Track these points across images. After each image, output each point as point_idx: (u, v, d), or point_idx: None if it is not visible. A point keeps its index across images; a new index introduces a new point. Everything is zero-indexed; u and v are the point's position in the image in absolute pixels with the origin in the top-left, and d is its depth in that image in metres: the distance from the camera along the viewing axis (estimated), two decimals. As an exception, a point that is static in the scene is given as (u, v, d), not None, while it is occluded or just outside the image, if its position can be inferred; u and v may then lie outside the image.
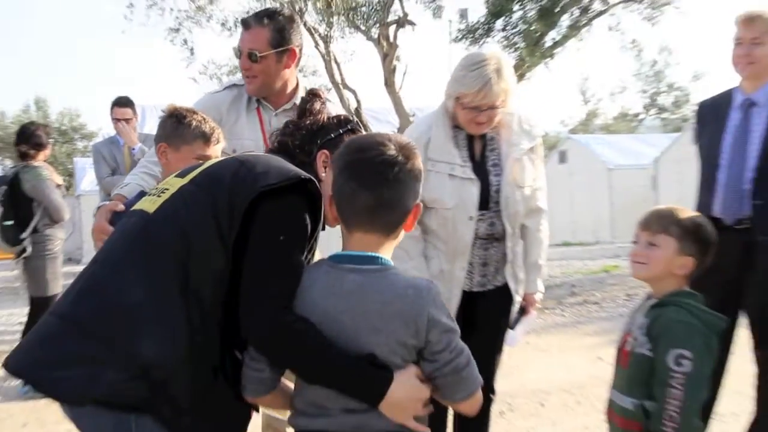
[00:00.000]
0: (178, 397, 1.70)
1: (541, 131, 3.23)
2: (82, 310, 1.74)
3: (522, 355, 6.25)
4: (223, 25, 13.09)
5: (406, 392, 1.69)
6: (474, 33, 12.24)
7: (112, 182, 5.41)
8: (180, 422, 1.71)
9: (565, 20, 11.93)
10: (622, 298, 9.28)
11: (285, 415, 2.07)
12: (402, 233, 1.84)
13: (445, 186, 2.91)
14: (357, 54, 21.45)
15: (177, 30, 13.11)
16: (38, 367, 1.72)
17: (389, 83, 12.55)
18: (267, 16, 2.94)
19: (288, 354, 1.74)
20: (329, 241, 2.28)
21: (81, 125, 37.59)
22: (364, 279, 1.73)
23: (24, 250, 5.87)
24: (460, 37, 12.57)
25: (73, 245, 16.62)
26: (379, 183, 1.74)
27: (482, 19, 12.15)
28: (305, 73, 14.98)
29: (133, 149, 5.82)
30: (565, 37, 12.03)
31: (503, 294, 3.08)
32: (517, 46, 11.74)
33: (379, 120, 14.75)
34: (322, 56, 12.79)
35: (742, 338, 3.31)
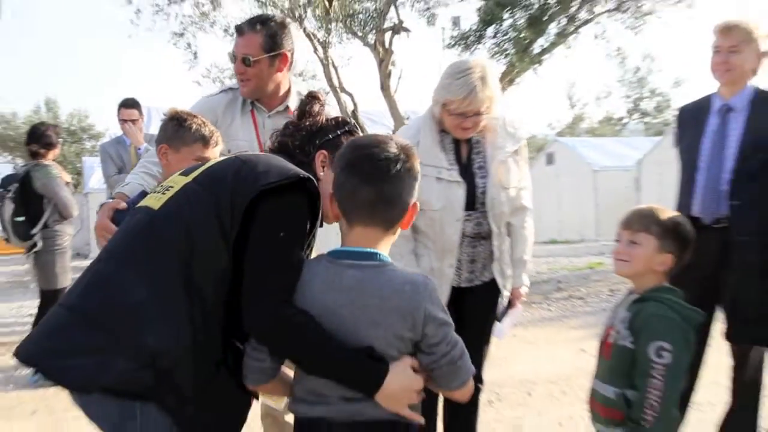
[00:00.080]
0: (182, 387, 1.70)
1: (526, 133, 3.22)
2: (90, 302, 1.74)
3: (510, 348, 6.26)
4: (225, 30, 13.06)
5: (400, 383, 1.70)
6: (466, 40, 12.25)
7: (119, 180, 5.39)
8: (183, 410, 1.71)
9: (552, 28, 11.97)
10: (605, 293, 9.29)
11: (281, 403, 2.07)
12: (399, 230, 1.85)
13: (432, 189, 2.91)
14: (354, 59, 21.47)
15: (181, 35, 13.10)
16: (48, 357, 1.73)
17: (385, 87, 12.57)
18: (260, 22, 2.94)
19: (288, 346, 1.74)
20: (327, 238, 2.28)
21: (89, 126, 37.50)
22: (363, 274, 1.74)
23: (34, 245, 5.88)
24: (452, 43, 12.57)
25: (81, 241, 16.60)
26: (380, 178, 1.75)
27: (474, 27, 12.16)
28: (305, 77, 14.97)
29: (139, 149, 5.81)
30: (553, 45, 12.05)
31: (490, 289, 3.09)
32: (507, 52, 11.75)
33: (375, 122, 14.74)
34: (321, 61, 12.78)
35: (719, 332, 3.32)
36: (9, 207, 5.83)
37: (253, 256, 1.76)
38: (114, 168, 5.90)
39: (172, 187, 1.89)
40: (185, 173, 1.93)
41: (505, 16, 11.64)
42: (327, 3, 12.04)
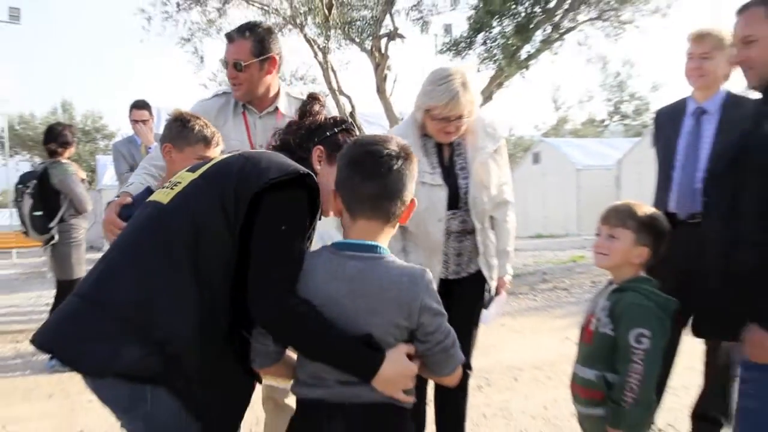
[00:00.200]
0: (190, 371, 1.70)
1: (504, 133, 3.22)
2: (102, 292, 1.74)
3: (498, 336, 6.28)
4: (231, 36, 13.00)
5: (395, 370, 1.70)
6: (457, 46, 12.25)
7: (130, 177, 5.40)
8: (192, 393, 1.72)
9: (538, 35, 11.96)
10: (588, 284, 9.32)
11: (285, 384, 2.07)
12: (397, 225, 1.85)
13: (416, 191, 2.90)
14: (352, 63, 21.53)
15: (188, 40, 13.06)
16: (63, 343, 1.73)
17: (381, 90, 12.56)
18: (248, 29, 2.92)
19: (291, 335, 1.74)
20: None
21: (102, 126, 37.53)
22: (364, 265, 1.74)
23: (52, 238, 5.88)
24: (444, 49, 12.59)
25: (95, 234, 16.50)
26: (382, 174, 1.75)
27: (465, 34, 12.16)
28: (305, 81, 14.93)
29: (149, 148, 5.79)
30: (539, 51, 12.05)
31: (476, 280, 3.09)
32: (496, 57, 11.75)
33: (372, 123, 14.74)
34: (321, 65, 12.76)
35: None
36: (28, 202, 5.82)
37: (257, 249, 1.75)
38: (126, 166, 5.88)
39: (179, 183, 1.89)
40: (192, 170, 1.93)
41: (494, 24, 11.64)
42: (326, 11, 12.02)
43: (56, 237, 5.88)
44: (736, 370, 2.18)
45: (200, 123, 2.56)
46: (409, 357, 1.73)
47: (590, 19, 12.08)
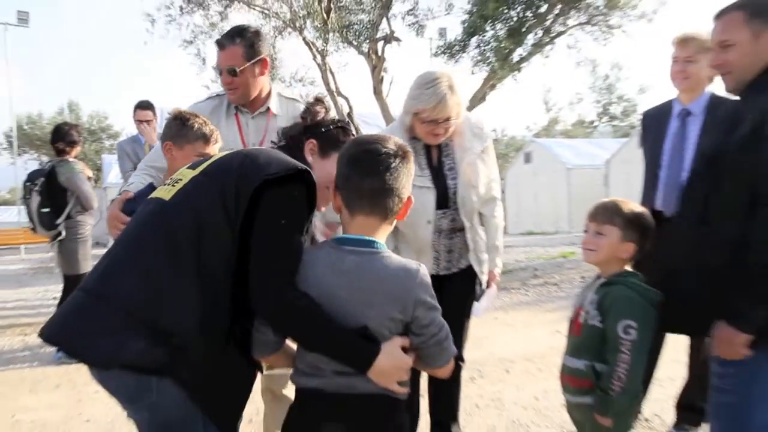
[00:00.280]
0: (194, 362, 1.70)
1: (491, 132, 3.21)
2: (107, 286, 1.74)
3: (491, 329, 6.29)
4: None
5: (390, 362, 1.70)
6: (451, 49, 12.24)
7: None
8: (197, 383, 1.72)
9: (530, 39, 11.95)
10: (577, 280, 9.32)
11: (284, 371, 2.08)
12: (394, 222, 1.85)
13: None
14: (349, 66, 21.49)
15: (191, 42, 13.03)
16: (70, 336, 1.73)
17: (377, 91, 12.55)
18: (237, 35, 2.88)
19: (290, 326, 1.75)
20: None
21: (108, 126, 37.53)
22: (361, 260, 1.74)
23: (59, 234, 5.88)
24: (439, 52, 12.57)
25: (101, 230, 16.43)
26: (380, 171, 1.76)
27: (459, 38, 12.15)
28: (304, 83, 14.88)
29: (153, 147, 5.79)
30: (531, 54, 12.04)
31: (466, 275, 3.09)
32: (489, 60, 11.74)
33: (369, 124, 14.72)
34: (319, 67, 12.73)
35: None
36: (36, 199, 5.82)
37: (257, 243, 1.76)
38: (130, 164, 5.88)
39: (180, 179, 1.89)
40: (192, 167, 1.93)
41: (488, 28, 11.63)
42: (325, 15, 12.00)
43: (63, 233, 5.87)
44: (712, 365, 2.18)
45: (199, 121, 2.56)
46: (404, 350, 1.73)
47: (580, 24, 12.08)
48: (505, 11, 11.42)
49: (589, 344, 2.27)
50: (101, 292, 1.73)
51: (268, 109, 3.02)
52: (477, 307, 3.13)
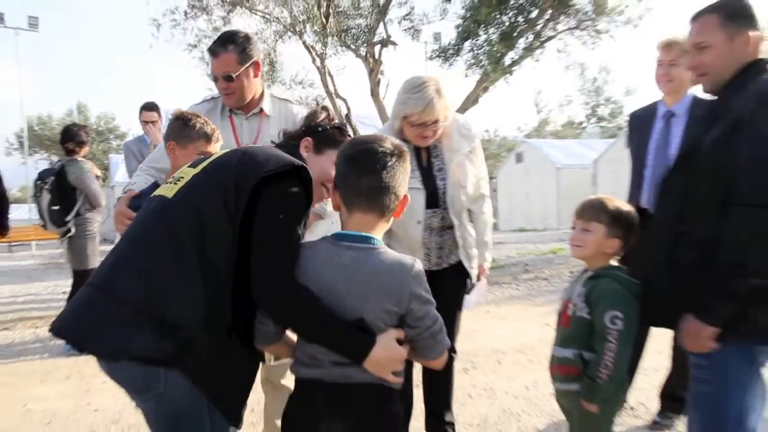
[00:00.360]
0: (200, 353, 1.71)
1: (478, 132, 3.20)
2: (114, 282, 1.74)
3: (483, 322, 6.30)
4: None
5: (385, 353, 1.71)
6: (446, 53, 12.24)
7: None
8: (203, 374, 1.72)
9: (521, 43, 11.96)
10: (567, 274, 9.34)
11: (283, 361, 2.08)
12: (391, 219, 1.86)
13: None
14: (347, 68, 21.44)
15: (195, 46, 12.99)
16: (79, 330, 1.73)
17: (374, 94, 12.55)
18: (229, 41, 2.86)
19: (290, 318, 1.76)
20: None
21: (115, 127, 37.48)
22: (358, 255, 1.75)
23: (68, 231, 5.88)
24: (434, 56, 12.59)
25: (108, 227, 16.47)
26: (379, 169, 1.76)
27: (453, 42, 12.15)
28: (304, 85, 14.83)
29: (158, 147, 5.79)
30: (522, 57, 12.04)
31: (457, 270, 3.09)
32: (482, 64, 11.74)
33: (366, 125, 14.70)
34: (318, 70, 12.71)
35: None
36: (46, 197, 5.82)
37: (258, 237, 1.76)
38: (136, 164, 5.85)
39: (182, 177, 1.89)
40: (193, 165, 1.93)
41: (481, 32, 11.63)
42: (324, 19, 11.99)
43: (72, 230, 5.87)
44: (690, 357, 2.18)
45: (201, 121, 2.56)
46: (399, 341, 1.74)
47: (569, 29, 12.09)
48: (498, 16, 11.44)
49: (578, 335, 2.28)
50: (108, 288, 1.74)
51: (261, 110, 3.02)
52: (468, 300, 3.14)
